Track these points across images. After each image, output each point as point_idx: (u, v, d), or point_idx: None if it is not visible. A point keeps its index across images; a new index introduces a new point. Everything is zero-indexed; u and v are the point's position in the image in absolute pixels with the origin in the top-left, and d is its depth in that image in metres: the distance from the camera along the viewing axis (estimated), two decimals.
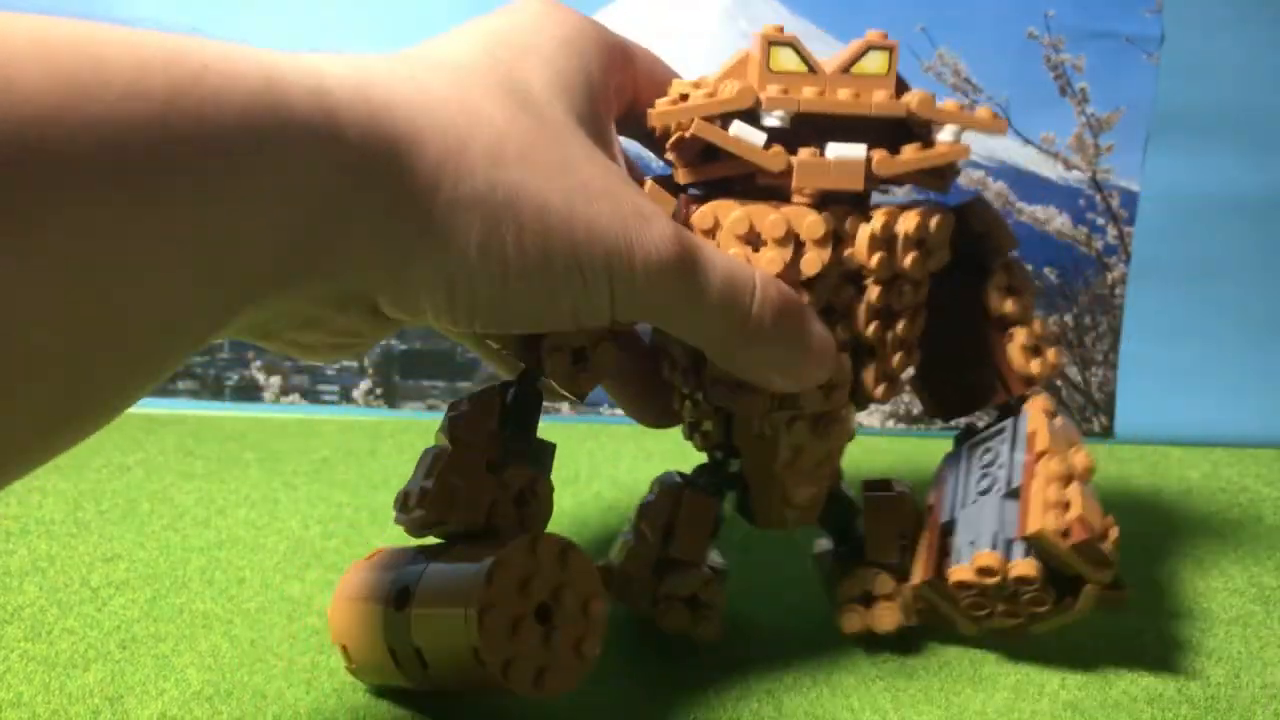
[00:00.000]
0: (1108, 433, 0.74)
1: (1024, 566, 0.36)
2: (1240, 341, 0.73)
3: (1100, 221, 0.72)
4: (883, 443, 0.69)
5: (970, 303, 0.40)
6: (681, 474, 0.42)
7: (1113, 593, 0.37)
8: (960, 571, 0.37)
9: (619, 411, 0.74)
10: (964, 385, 0.42)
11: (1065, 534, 0.35)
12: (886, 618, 0.40)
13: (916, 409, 0.74)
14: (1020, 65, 0.70)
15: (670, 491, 0.40)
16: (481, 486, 0.34)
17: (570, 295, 0.31)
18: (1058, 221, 0.72)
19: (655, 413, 0.43)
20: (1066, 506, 0.36)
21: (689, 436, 0.41)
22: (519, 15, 0.35)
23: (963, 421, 0.44)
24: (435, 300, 0.29)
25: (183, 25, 0.21)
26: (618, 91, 0.36)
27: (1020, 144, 0.71)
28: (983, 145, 0.71)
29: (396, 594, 0.33)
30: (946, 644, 0.41)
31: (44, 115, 0.19)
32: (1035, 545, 0.36)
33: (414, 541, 0.36)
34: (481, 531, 0.34)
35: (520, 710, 0.36)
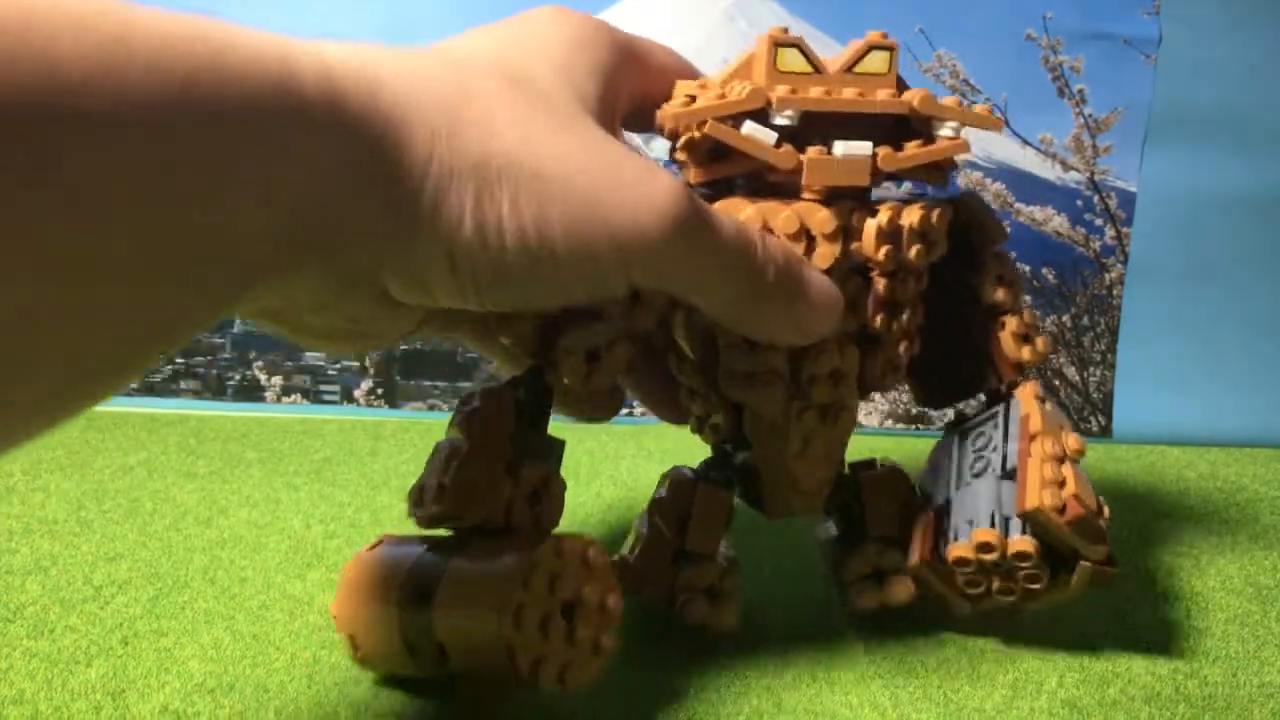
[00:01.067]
0: (1106, 432, 0.74)
1: (1022, 543, 0.37)
2: (1238, 341, 0.73)
3: (1098, 222, 0.72)
4: (887, 442, 0.69)
5: (961, 293, 0.41)
6: (691, 469, 0.42)
7: (1105, 569, 0.38)
8: (959, 548, 0.38)
9: (620, 411, 0.74)
10: (955, 373, 0.43)
11: (1061, 510, 0.36)
12: (901, 591, 0.41)
13: (916, 409, 0.74)
14: (1018, 66, 0.70)
15: (683, 486, 0.41)
16: (499, 484, 0.34)
17: (574, 263, 0.30)
18: (1056, 222, 0.72)
19: (676, 411, 0.43)
20: (1062, 484, 0.37)
21: (698, 431, 0.42)
22: (529, 18, 0.35)
23: (951, 412, 0.45)
24: (439, 275, 0.29)
25: (198, 6, 0.21)
26: (629, 90, 0.36)
27: (1018, 145, 0.71)
28: (981, 146, 0.71)
29: (414, 590, 0.34)
30: (945, 642, 0.41)
31: (79, 84, 0.20)
32: (1032, 521, 0.37)
33: (418, 531, 0.36)
34: (496, 528, 0.34)
35: (523, 705, 0.36)
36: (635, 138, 0.71)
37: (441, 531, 0.35)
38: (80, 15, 0.21)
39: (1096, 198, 0.72)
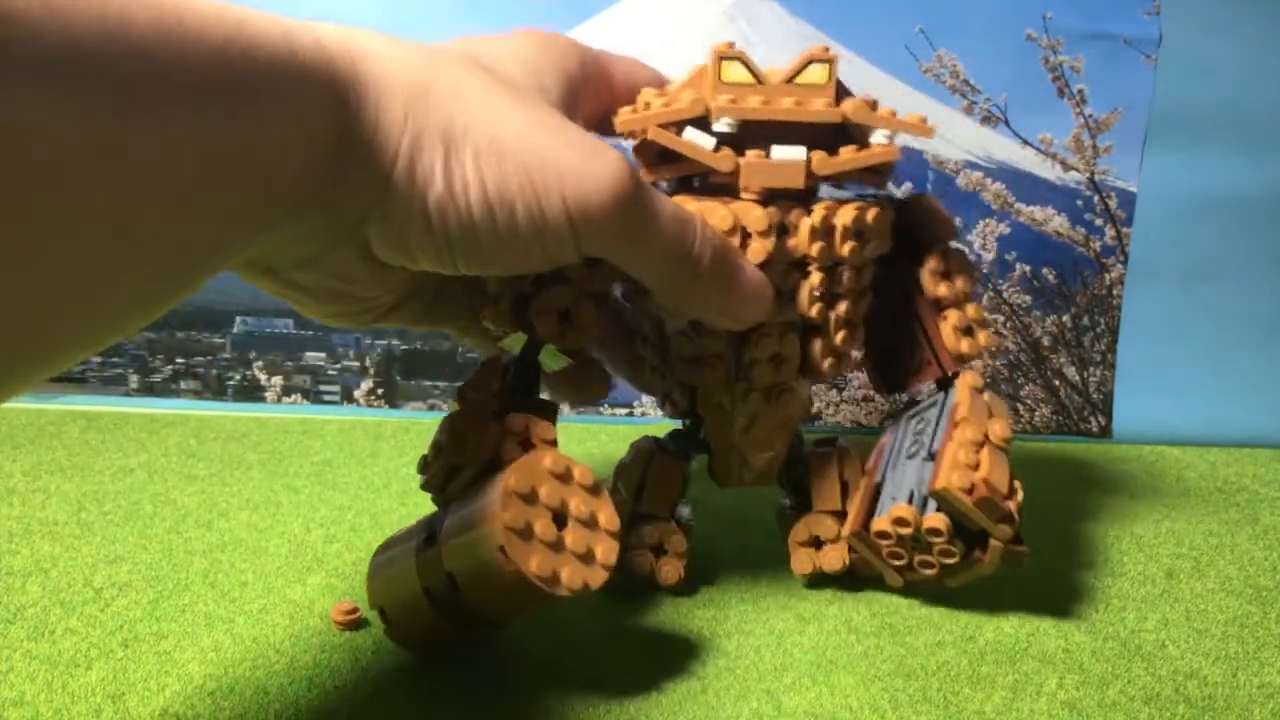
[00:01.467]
0: (1105, 433, 0.74)
1: (934, 519, 0.40)
2: (1237, 342, 0.73)
3: (1098, 222, 0.72)
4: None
5: (911, 286, 0.45)
6: (655, 438, 0.47)
7: (1015, 549, 0.40)
8: (879, 522, 0.41)
9: (619, 411, 0.74)
10: (904, 361, 0.46)
11: (969, 491, 0.39)
12: (834, 558, 0.45)
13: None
14: (1019, 66, 0.70)
15: (643, 454, 0.46)
16: (487, 430, 0.37)
17: (531, 224, 0.33)
18: (1056, 222, 0.72)
19: (644, 383, 0.47)
20: (976, 468, 0.40)
21: (660, 405, 0.46)
22: (504, 34, 0.39)
23: (905, 396, 0.48)
24: (417, 233, 0.32)
25: None
26: (593, 95, 0.40)
27: (1019, 145, 0.71)
28: (981, 147, 0.71)
29: (427, 539, 0.37)
30: (945, 644, 0.41)
31: (149, 48, 0.24)
32: (941, 500, 0.40)
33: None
34: (490, 468, 0.37)
35: (525, 709, 0.36)
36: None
37: None
38: None
39: (1097, 198, 0.72)
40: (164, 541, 0.49)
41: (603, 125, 0.42)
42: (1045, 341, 0.73)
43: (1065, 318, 0.73)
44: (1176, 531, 0.55)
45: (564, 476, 0.36)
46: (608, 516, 0.36)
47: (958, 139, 0.71)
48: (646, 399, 0.74)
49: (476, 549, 0.34)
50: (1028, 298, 0.73)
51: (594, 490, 0.36)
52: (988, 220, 0.72)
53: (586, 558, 0.35)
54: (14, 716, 0.34)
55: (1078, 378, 0.74)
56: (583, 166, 0.33)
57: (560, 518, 0.35)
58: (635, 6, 0.70)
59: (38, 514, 0.51)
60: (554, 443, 0.38)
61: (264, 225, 0.30)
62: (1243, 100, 0.70)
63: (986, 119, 0.70)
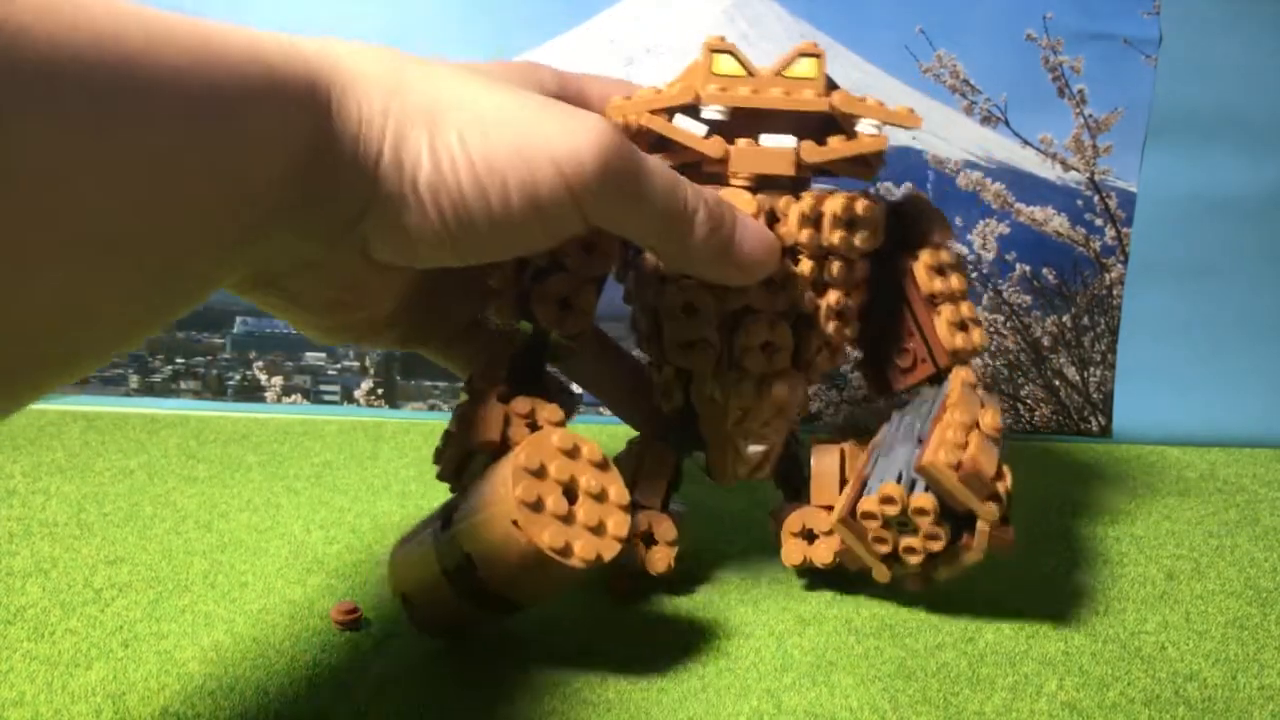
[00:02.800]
0: (1105, 433, 0.74)
1: (921, 499, 0.39)
2: (1238, 342, 0.73)
3: (1098, 222, 0.72)
4: None
5: (906, 283, 0.45)
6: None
7: (1002, 533, 0.40)
8: (866, 502, 0.41)
9: None
10: (899, 359, 0.47)
11: (955, 467, 0.39)
12: (824, 551, 0.44)
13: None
14: (1019, 66, 0.70)
15: (637, 445, 0.46)
16: (493, 413, 0.39)
17: (525, 197, 0.33)
18: (1056, 222, 0.72)
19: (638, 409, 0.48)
20: (964, 447, 0.39)
21: (658, 401, 0.46)
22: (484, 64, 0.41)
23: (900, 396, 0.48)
24: (416, 222, 0.32)
25: (194, 10, 0.25)
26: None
27: (1019, 145, 0.71)
28: (981, 147, 0.71)
29: (444, 522, 0.37)
30: (945, 645, 0.41)
31: (127, 58, 0.25)
32: (928, 476, 0.39)
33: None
34: (500, 451, 0.38)
35: (525, 709, 0.36)
36: None
37: None
38: (130, 13, 0.26)
39: (1097, 198, 0.72)
40: (164, 542, 0.49)
41: None
42: (1045, 341, 0.73)
43: (1065, 318, 0.73)
44: (1176, 532, 0.55)
45: (572, 453, 0.37)
46: (618, 491, 0.37)
47: (958, 139, 0.70)
48: None
49: (491, 526, 0.35)
50: (1028, 298, 0.73)
51: (603, 466, 0.37)
52: (988, 220, 0.72)
53: (598, 530, 0.36)
54: (14, 717, 0.34)
55: (1078, 378, 0.74)
56: (568, 128, 0.33)
57: (570, 492, 0.36)
58: (635, 7, 0.70)
59: (38, 515, 0.51)
60: (561, 424, 0.39)
61: (251, 232, 0.30)
62: (1243, 100, 0.70)
63: (986, 119, 0.70)
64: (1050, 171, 0.71)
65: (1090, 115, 0.70)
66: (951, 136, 0.70)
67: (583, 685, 0.37)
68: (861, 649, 0.41)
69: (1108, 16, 0.69)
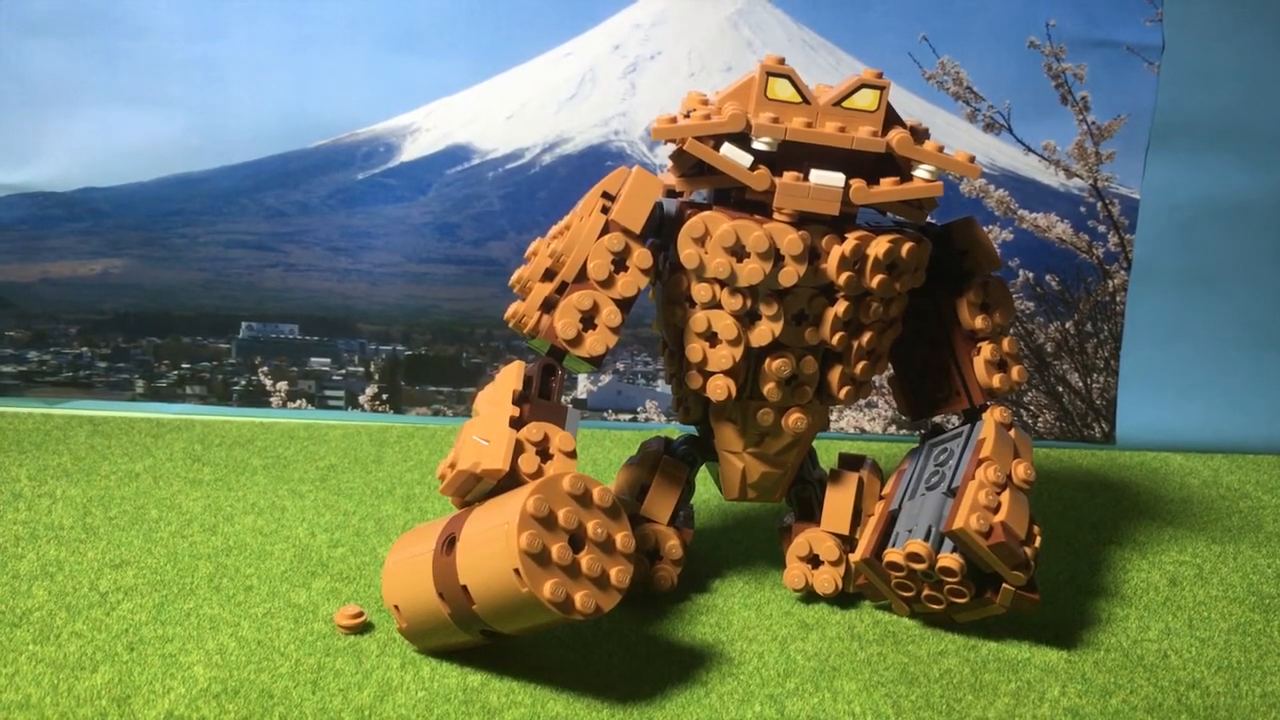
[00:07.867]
0: (1108, 439, 0.74)
1: (948, 559, 0.39)
2: (1241, 348, 0.73)
3: (1101, 229, 0.72)
4: (891, 448, 0.69)
5: (947, 314, 0.44)
6: (667, 440, 0.47)
7: (1027, 595, 0.40)
8: (893, 554, 0.41)
9: (623, 416, 0.74)
10: (933, 388, 0.46)
11: (986, 534, 0.39)
12: (826, 580, 0.44)
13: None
14: (1021, 73, 0.70)
15: (650, 456, 0.46)
16: (501, 435, 0.38)
17: None
18: (1059, 229, 0.72)
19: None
20: (996, 510, 0.39)
21: (675, 409, 0.46)
22: None
23: (931, 422, 0.48)
24: None
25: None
26: None
27: (1022, 152, 0.71)
28: (984, 153, 0.71)
29: (446, 542, 0.37)
30: (948, 652, 0.41)
31: None
32: (958, 541, 0.39)
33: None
34: (510, 482, 0.37)
35: (528, 714, 0.36)
36: (641, 144, 0.72)
37: None
38: None
39: (1099, 204, 0.72)
40: (169, 546, 0.49)
41: None
42: (1048, 348, 0.73)
43: (1068, 324, 0.73)
44: (1179, 539, 0.55)
45: (583, 498, 0.36)
46: (624, 539, 0.36)
47: (961, 146, 0.71)
48: (650, 404, 0.74)
49: (491, 568, 0.35)
50: (1031, 304, 0.73)
51: (612, 512, 0.37)
52: (991, 227, 0.72)
53: (600, 581, 0.35)
54: (20, 719, 0.34)
55: (1081, 384, 0.74)
56: None
57: (577, 540, 0.35)
58: (639, 12, 0.70)
59: (43, 518, 0.52)
60: (573, 454, 0.38)
61: None
62: (1245, 107, 0.70)
63: (989, 126, 0.71)
64: (1053, 178, 0.71)
65: (1093, 122, 0.71)
66: (954, 143, 0.71)
67: (585, 689, 0.37)
68: (865, 655, 0.41)
69: (1110, 24, 0.69)
